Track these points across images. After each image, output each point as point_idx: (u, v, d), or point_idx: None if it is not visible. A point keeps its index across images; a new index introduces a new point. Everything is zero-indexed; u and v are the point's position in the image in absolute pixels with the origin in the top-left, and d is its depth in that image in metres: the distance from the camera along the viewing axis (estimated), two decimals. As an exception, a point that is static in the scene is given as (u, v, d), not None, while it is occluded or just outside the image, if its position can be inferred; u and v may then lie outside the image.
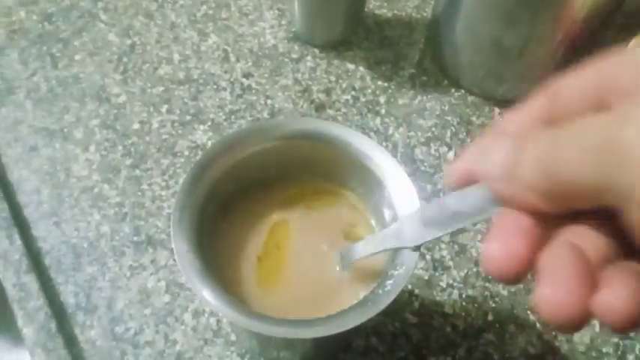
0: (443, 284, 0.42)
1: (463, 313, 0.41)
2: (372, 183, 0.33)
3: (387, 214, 0.33)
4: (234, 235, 0.34)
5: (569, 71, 0.20)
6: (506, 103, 0.51)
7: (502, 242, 0.19)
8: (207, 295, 0.27)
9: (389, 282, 0.29)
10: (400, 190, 0.32)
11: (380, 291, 0.29)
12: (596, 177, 0.16)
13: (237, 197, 0.34)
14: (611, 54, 0.19)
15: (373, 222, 0.35)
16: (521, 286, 0.42)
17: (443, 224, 0.24)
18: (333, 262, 0.33)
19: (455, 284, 0.42)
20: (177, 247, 0.29)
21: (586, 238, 0.18)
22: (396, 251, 0.30)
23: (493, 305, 0.41)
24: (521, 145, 0.18)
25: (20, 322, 0.39)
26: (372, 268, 0.33)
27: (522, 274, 0.18)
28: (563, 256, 0.18)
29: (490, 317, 0.41)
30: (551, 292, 0.17)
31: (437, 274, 0.42)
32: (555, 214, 0.18)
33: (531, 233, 0.19)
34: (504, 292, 0.42)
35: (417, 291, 0.42)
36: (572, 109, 0.20)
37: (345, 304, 0.29)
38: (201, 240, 0.30)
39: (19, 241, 0.42)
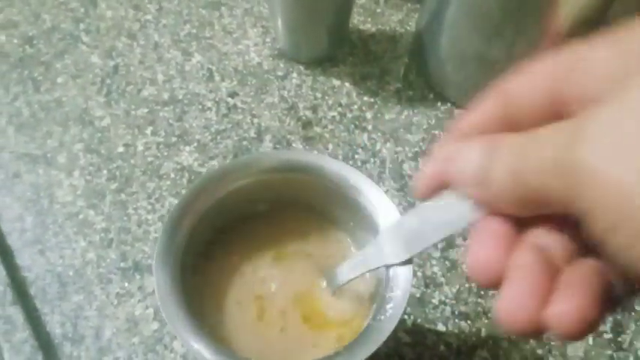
0: (435, 301, 0.42)
1: (456, 331, 0.40)
2: (360, 217, 0.33)
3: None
4: (218, 278, 0.33)
5: (520, 69, 0.20)
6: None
7: (481, 248, 0.19)
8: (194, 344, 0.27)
9: (389, 306, 0.29)
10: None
11: (382, 317, 0.29)
12: (559, 191, 0.16)
13: (219, 239, 0.34)
14: (565, 51, 0.18)
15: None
16: (513, 301, 0.41)
17: (424, 237, 0.24)
18: (318, 294, 0.32)
19: (447, 301, 0.42)
20: (161, 296, 0.28)
21: (552, 237, 0.19)
22: (387, 272, 0.30)
23: (486, 321, 0.41)
24: (490, 149, 0.18)
25: (6, 356, 0.38)
26: (360, 292, 0.32)
27: (499, 278, 0.19)
28: (526, 264, 0.18)
29: (483, 334, 0.40)
30: (507, 306, 0.18)
31: (429, 291, 0.42)
32: (529, 216, 0.19)
33: (505, 237, 0.19)
34: (497, 308, 0.41)
35: (409, 309, 0.41)
36: (526, 113, 0.20)
37: (338, 331, 0.28)
38: (184, 284, 0.29)
39: (3, 272, 0.41)
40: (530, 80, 0.20)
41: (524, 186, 0.17)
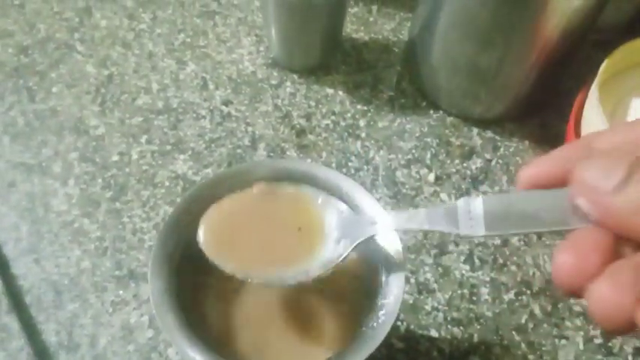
0: (428, 307, 0.42)
1: (449, 337, 0.41)
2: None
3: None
4: (213, 286, 0.33)
5: None
6: (484, 122, 0.51)
7: (575, 256, 0.18)
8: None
9: (381, 313, 0.29)
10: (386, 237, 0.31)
11: (374, 324, 0.29)
12: None
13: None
14: None
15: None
16: (505, 306, 0.42)
17: (507, 223, 0.22)
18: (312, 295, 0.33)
19: (440, 307, 0.42)
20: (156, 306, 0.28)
21: None
22: (379, 279, 0.30)
23: (478, 327, 0.41)
24: (635, 169, 0.17)
25: (1, 365, 0.38)
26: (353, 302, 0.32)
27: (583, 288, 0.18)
28: (625, 267, 0.17)
29: (476, 339, 0.41)
30: (605, 301, 0.17)
31: (422, 297, 0.42)
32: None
33: (606, 252, 0.18)
34: (489, 314, 0.42)
35: (402, 315, 0.42)
36: None
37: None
38: (179, 291, 0.30)
39: (-2, 280, 0.41)
40: None
41: None
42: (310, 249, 0.29)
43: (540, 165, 0.21)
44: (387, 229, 0.28)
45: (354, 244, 0.29)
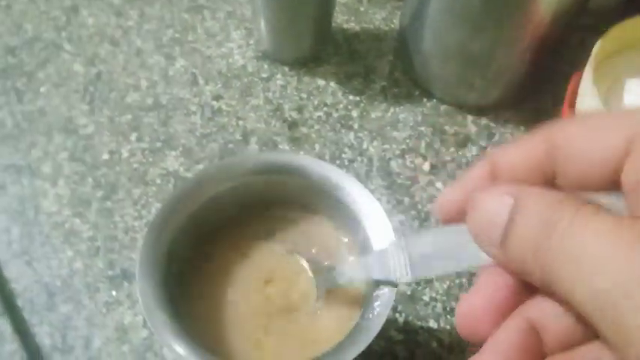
0: (426, 298, 0.41)
1: (448, 327, 0.40)
2: (347, 217, 0.32)
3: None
4: (205, 283, 0.33)
5: (569, 120, 0.19)
6: (478, 110, 0.51)
7: (476, 302, 0.18)
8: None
9: (376, 304, 0.29)
10: (376, 227, 0.31)
11: (370, 315, 0.28)
12: (587, 309, 0.15)
13: (205, 243, 0.33)
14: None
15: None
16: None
17: (431, 265, 0.23)
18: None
19: (438, 297, 0.41)
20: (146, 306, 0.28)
21: (552, 316, 0.17)
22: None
23: (478, 316, 0.41)
24: (516, 210, 0.16)
25: (-6, 369, 0.38)
26: (349, 301, 0.32)
27: (486, 337, 0.18)
28: (509, 342, 0.17)
29: (475, 329, 0.40)
30: None
31: (419, 288, 0.42)
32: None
33: (506, 299, 0.18)
34: (488, 303, 0.41)
35: (400, 307, 0.41)
36: (578, 168, 0.18)
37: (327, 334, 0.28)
38: (169, 290, 0.29)
39: (-11, 284, 0.41)
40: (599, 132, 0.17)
41: (551, 281, 0.15)
42: None
43: (450, 194, 0.20)
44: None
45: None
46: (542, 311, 0.17)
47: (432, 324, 0.40)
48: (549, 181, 0.18)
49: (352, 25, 0.57)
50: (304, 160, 0.33)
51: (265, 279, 0.33)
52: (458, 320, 0.19)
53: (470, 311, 0.18)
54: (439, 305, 0.41)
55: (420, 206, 0.45)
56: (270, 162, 0.33)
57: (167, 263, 0.30)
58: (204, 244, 0.33)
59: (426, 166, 0.48)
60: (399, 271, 0.25)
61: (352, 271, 0.30)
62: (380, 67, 0.54)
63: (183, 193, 0.31)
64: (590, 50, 0.42)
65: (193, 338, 0.27)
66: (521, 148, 0.19)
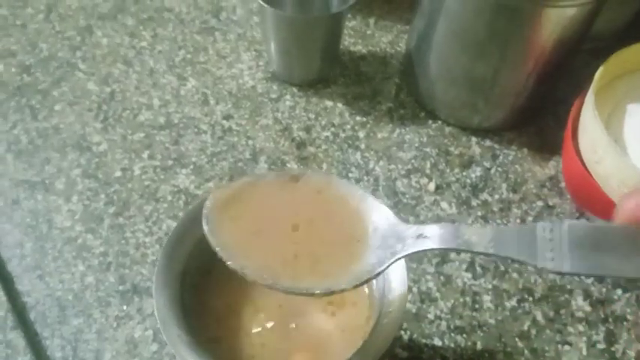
0: (431, 316, 0.42)
1: (452, 345, 0.41)
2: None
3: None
4: (218, 298, 0.34)
5: None
6: (482, 132, 0.52)
7: None
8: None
9: (385, 321, 0.29)
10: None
11: (378, 333, 0.29)
12: None
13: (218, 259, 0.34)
14: None
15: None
16: (507, 313, 0.42)
17: (603, 262, 0.19)
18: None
19: (443, 315, 0.42)
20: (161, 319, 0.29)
21: None
22: (383, 288, 0.31)
23: (481, 334, 0.41)
24: None
25: (6, 381, 0.38)
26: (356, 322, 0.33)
27: None
28: None
29: (479, 347, 0.41)
30: None
31: (424, 306, 0.43)
32: None
33: None
34: (492, 321, 0.42)
35: (405, 324, 0.42)
36: None
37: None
38: (183, 304, 0.30)
39: (3, 297, 0.41)
40: None
41: None
42: (350, 258, 0.25)
43: (632, 202, 0.19)
44: (438, 246, 0.24)
45: (394, 259, 0.24)
46: None
47: (437, 342, 0.41)
48: None
49: (359, 48, 0.58)
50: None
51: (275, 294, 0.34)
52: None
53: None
54: (444, 323, 0.42)
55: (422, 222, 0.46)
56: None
57: (183, 274, 0.31)
58: (215, 260, 0.34)
59: (431, 186, 0.49)
60: (549, 256, 0.21)
61: (480, 243, 0.23)
62: (386, 89, 0.55)
63: (199, 209, 0.32)
64: (593, 74, 0.43)
65: (207, 352, 0.28)
66: None
